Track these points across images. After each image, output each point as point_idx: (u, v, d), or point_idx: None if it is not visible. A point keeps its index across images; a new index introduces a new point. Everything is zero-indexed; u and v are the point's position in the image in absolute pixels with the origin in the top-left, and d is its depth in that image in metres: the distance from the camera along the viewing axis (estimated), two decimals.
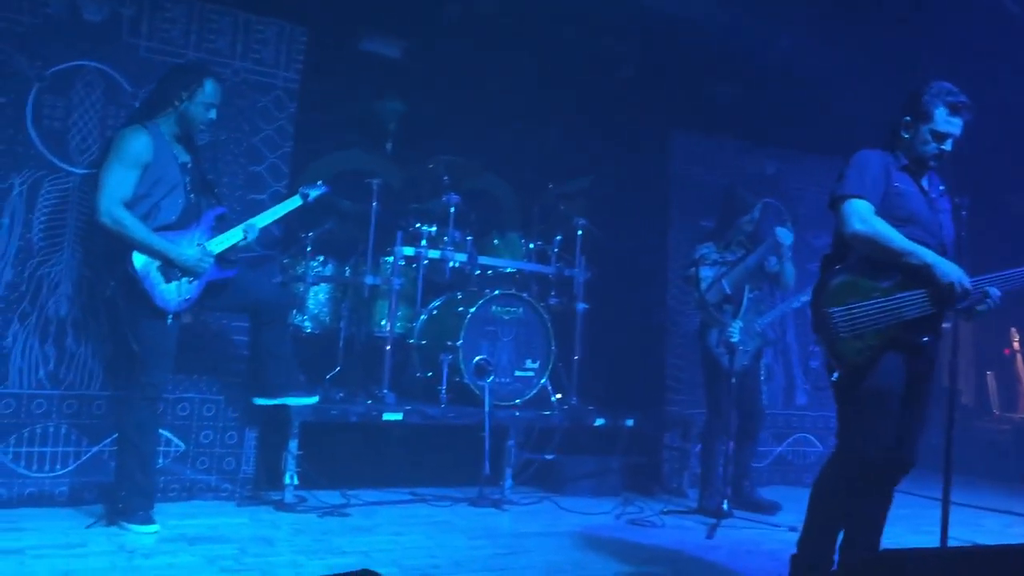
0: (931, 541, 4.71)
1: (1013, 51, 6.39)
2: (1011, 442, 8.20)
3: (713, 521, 5.27)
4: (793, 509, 5.53)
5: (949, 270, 3.44)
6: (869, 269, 3.52)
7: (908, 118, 3.67)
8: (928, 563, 3.06)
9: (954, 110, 3.61)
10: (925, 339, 3.52)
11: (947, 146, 3.64)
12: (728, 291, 5.61)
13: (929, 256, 3.46)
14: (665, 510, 5.66)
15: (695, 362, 6.71)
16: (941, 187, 3.81)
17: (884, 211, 3.54)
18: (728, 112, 7.03)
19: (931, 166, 3.71)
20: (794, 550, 3.73)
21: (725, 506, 5.41)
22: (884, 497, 3.70)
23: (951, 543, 4.28)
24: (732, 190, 6.14)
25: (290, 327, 5.18)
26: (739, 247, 5.87)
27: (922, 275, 3.45)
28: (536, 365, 6.05)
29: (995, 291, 3.55)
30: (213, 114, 4.51)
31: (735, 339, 5.53)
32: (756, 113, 6.91)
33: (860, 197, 3.52)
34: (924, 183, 3.71)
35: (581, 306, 6.40)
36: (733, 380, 5.56)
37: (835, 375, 3.53)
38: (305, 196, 4.95)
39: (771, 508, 5.77)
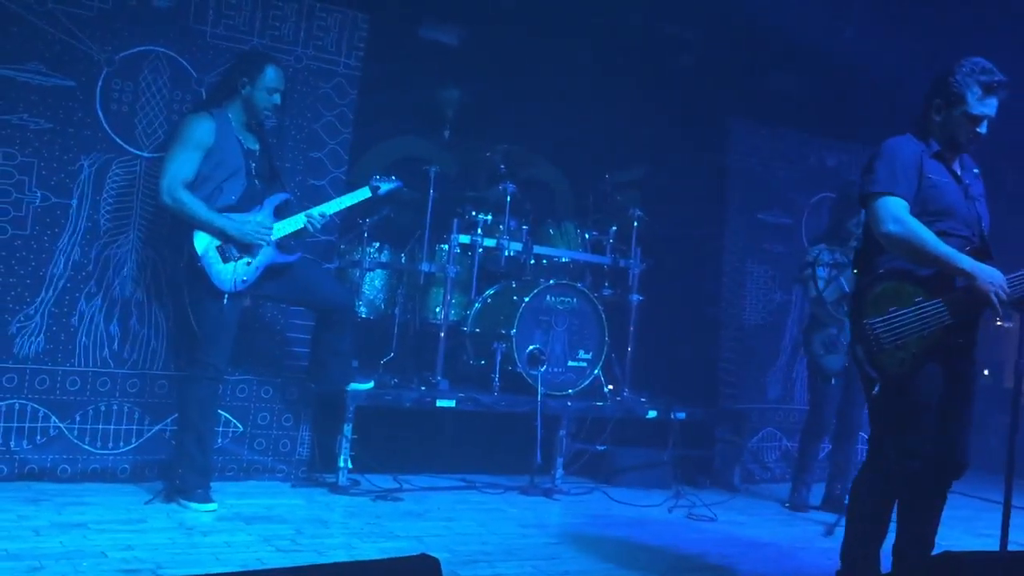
0: (990, 545, 4.62)
1: None
2: None
3: (834, 518, 5.24)
4: None
5: (989, 278, 3.24)
6: (911, 273, 3.34)
7: (939, 100, 3.46)
8: (987, 566, 3.00)
9: (988, 90, 3.39)
10: (961, 340, 3.35)
11: (982, 128, 3.43)
12: (847, 289, 5.52)
13: (967, 263, 3.25)
14: (786, 503, 5.77)
15: (749, 355, 6.67)
16: (975, 170, 3.60)
17: (918, 205, 3.35)
18: (789, 103, 6.92)
19: (966, 150, 3.51)
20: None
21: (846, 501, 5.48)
22: (938, 499, 3.58)
23: (1011, 547, 4.19)
24: (844, 189, 6.03)
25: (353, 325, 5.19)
26: (855, 243, 5.75)
27: (960, 281, 3.28)
28: (589, 356, 6.04)
29: None
30: (277, 99, 4.60)
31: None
32: (818, 105, 6.80)
33: (892, 194, 3.33)
34: (956, 168, 3.51)
35: (635, 297, 6.37)
36: (833, 381, 5.53)
37: (876, 388, 3.34)
38: (375, 189, 4.98)
39: None
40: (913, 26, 5.99)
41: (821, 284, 5.65)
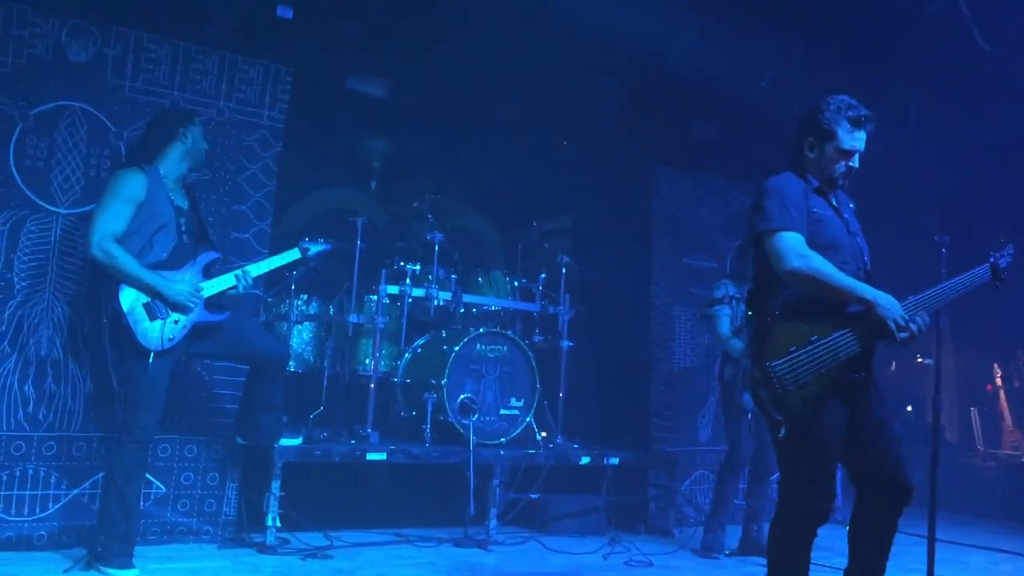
0: None
1: (990, 89, 6.50)
2: (996, 478, 8.20)
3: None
4: None
5: (890, 306, 3.29)
6: (805, 311, 3.34)
7: (811, 138, 3.55)
8: None
9: (856, 124, 3.48)
10: (860, 375, 3.36)
11: (854, 162, 3.52)
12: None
13: (868, 292, 3.30)
14: (728, 552, 5.65)
15: (680, 398, 6.73)
16: (851, 205, 3.68)
17: (806, 240, 3.37)
18: (712, 150, 7.09)
19: (841, 184, 3.58)
20: None
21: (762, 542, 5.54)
22: (889, 529, 3.53)
23: None
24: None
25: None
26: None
27: (860, 311, 3.31)
28: (521, 403, 6.03)
29: (923, 316, 3.39)
30: (206, 146, 4.57)
31: None
32: (739, 150, 6.97)
33: (789, 229, 3.36)
34: (835, 203, 3.58)
35: (566, 344, 6.39)
36: (749, 416, 5.57)
37: (782, 432, 3.32)
38: (305, 251, 4.93)
39: None
40: (827, 78, 6.20)
41: (727, 321, 5.73)
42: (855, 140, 3.50)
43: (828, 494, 3.39)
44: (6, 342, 4.56)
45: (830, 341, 3.30)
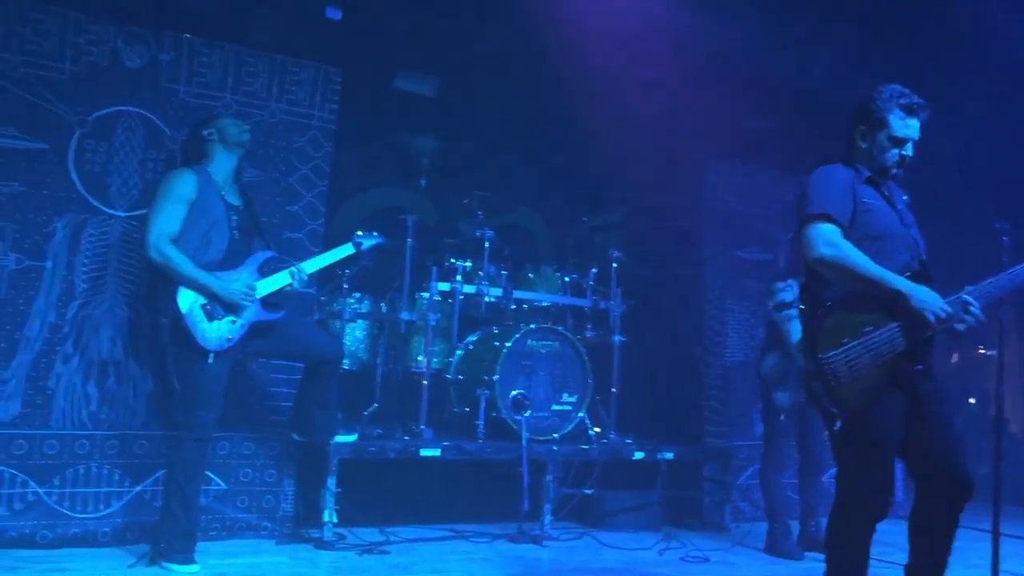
0: None
1: None
2: None
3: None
4: None
5: (925, 297, 3.22)
6: (858, 302, 3.28)
7: (863, 127, 3.51)
8: None
9: (909, 111, 3.44)
10: (918, 367, 3.29)
11: (908, 151, 3.47)
12: None
13: (902, 284, 3.23)
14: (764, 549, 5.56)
15: (734, 393, 6.65)
16: (905, 197, 3.62)
17: (856, 231, 3.33)
18: (765, 141, 6.99)
19: (894, 174, 3.53)
20: None
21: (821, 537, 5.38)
22: (950, 524, 3.45)
23: None
24: None
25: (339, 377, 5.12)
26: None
27: (898, 303, 3.23)
28: (573, 399, 6.01)
29: (976, 308, 3.29)
30: (246, 135, 4.59)
31: None
32: (793, 142, 6.86)
33: (827, 218, 3.30)
34: (886, 194, 3.52)
35: (617, 339, 6.36)
36: (782, 417, 5.47)
37: (838, 425, 3.26)
38: (358, 245, 4.99)
39: None
40: (881, 68, 6.08)
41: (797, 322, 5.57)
42: (908, 128, 3.46)
43: (886, 489, 3.32)
44: (69, 343, 4.67)
45: (885, 332, 3.24)
